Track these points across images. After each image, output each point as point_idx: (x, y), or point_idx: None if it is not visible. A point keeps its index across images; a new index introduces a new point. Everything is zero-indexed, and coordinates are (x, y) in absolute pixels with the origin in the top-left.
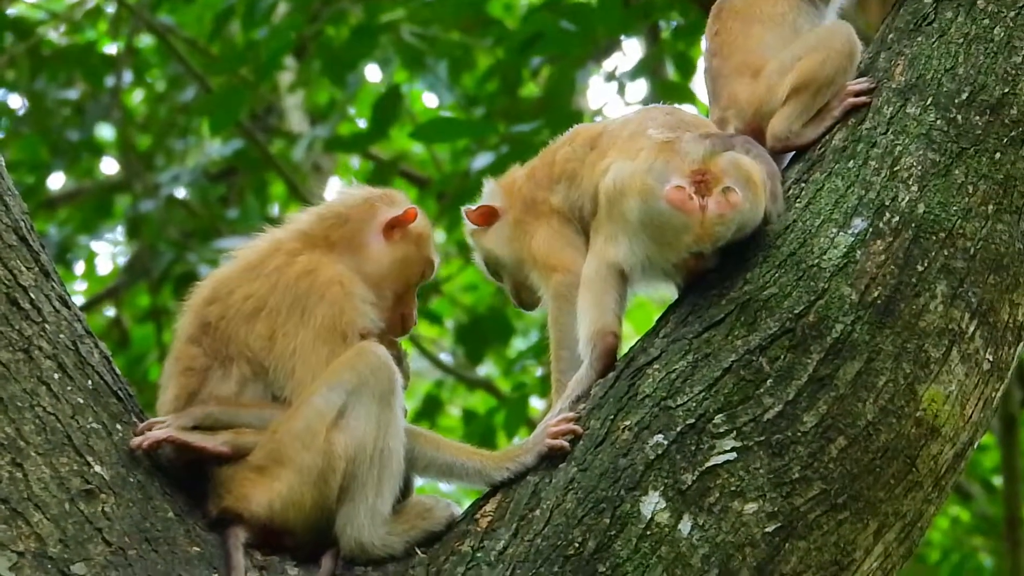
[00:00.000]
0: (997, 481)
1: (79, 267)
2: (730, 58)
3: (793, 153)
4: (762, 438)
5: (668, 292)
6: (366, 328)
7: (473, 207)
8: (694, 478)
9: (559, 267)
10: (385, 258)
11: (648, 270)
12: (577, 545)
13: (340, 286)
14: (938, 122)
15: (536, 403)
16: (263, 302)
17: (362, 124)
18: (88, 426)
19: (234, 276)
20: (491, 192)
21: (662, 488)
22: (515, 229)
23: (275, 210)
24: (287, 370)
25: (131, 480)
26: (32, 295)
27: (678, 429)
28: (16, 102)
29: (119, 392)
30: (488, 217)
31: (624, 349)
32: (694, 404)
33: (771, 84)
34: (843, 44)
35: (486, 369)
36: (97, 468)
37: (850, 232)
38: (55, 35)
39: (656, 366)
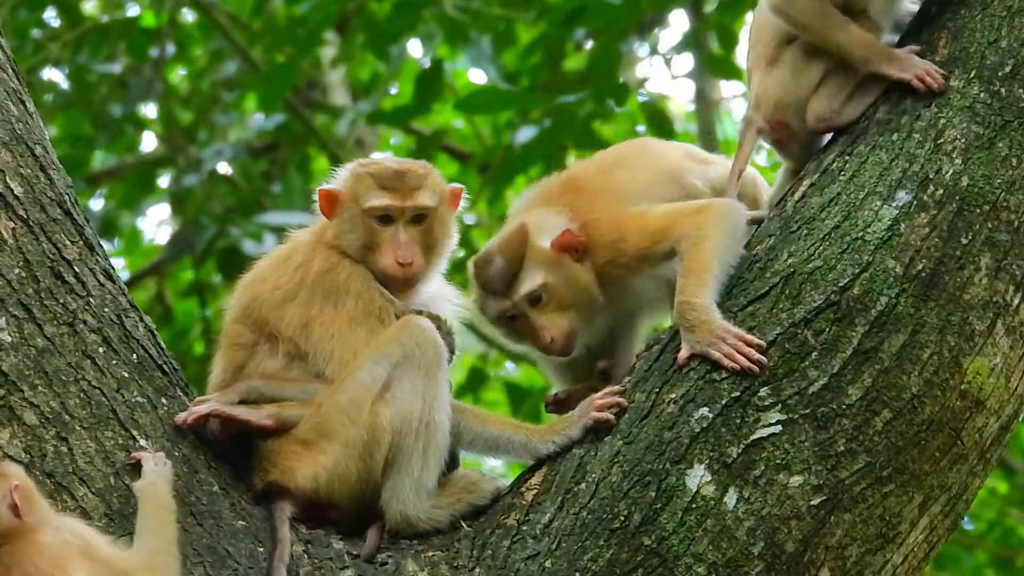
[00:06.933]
0: None
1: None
2: (755, 47)
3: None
4: (807, 411)
5: None
6: (400, 310)
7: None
8: (739, 451)
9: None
10: None
11: None
12: (623, 518)
13: (360, 280)
14: (981, 95)
15: None
16: (292, 294)
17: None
18: (133, 400)
19: (267, 267)
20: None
21: (707, 461)
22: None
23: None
24: (326, 353)
25: (176, 454)
26: (76, 269)
27: (723, 402)
28: (59, 76)
29: (164, 366)
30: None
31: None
32: (739, 377)
33: (794, 71)
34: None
35: None
36: (142, 442)
37: (894, 205)
38: (95, 9)
39: None
